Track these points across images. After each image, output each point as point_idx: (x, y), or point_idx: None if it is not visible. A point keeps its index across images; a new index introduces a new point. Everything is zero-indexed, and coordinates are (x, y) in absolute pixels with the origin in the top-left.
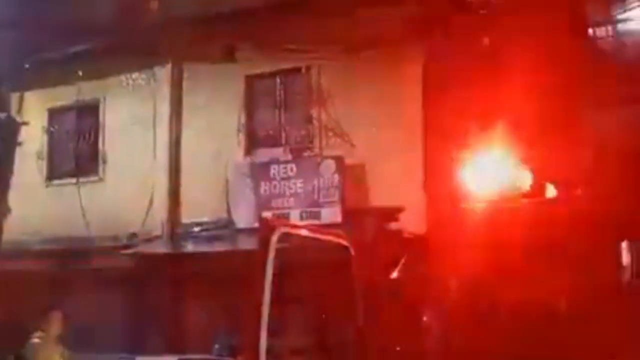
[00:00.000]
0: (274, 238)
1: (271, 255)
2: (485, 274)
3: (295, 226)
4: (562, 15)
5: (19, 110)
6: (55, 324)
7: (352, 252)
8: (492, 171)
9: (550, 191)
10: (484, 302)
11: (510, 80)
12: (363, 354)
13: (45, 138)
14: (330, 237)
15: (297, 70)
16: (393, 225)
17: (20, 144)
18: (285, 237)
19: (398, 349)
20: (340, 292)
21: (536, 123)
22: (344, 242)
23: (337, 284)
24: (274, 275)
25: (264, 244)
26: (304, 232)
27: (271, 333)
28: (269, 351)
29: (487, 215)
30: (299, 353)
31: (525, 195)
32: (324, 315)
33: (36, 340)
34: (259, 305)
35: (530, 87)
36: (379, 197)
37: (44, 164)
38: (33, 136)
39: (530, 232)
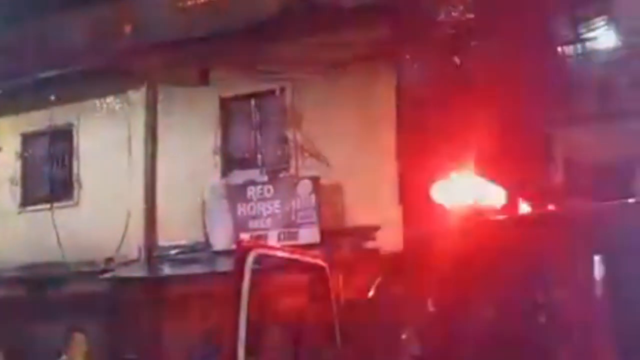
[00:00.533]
0: (250, 260)
1: (247, 277)
2: (463, 293)
3: (272, 247)
4: (532, 34)
5: None
6: (79, 346)
7: (329, 272)
8: (466, 189)
9: (524, 208)
10: (461, 322)
11: (482, 99)
12: None
13: (18, 164)
14: (306, 258)
15: (272, 92)
16: (370, 244)
17: None
18: (261, 258)
19: None
20: (317, 313)
21: (509, 140)
22: (321, 263)
23: (314, 304)
24: (251, 297)
25: (240, 265)
26: (280, 254)
27: (249, 355)
28: None
29: (462, 233)
30: None
31: (498, 212)
32: (300, 337)
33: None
34: (235, 327)
35: (502, 106)
36: (356, 216)
37: (17, 190)
38: (6, 162)
39: (506, 250)
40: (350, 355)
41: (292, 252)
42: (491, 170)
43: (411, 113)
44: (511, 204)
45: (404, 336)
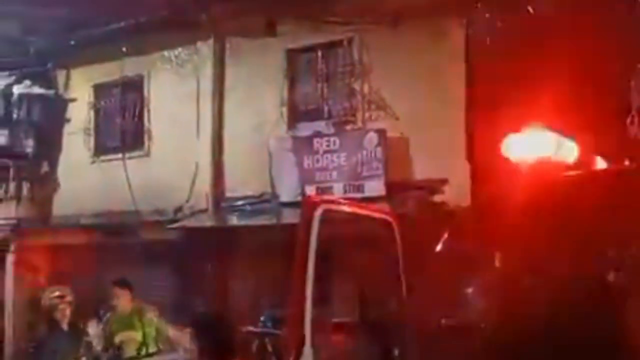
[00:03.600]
0: (317, 215)
1: (314, 232)
2: (532, 248)
3: (338, 202)
4: None
5: (66, 87)
6: (122, 298)
7: (396, 226)
8: (532, 142)
9: (599, 163)
10: (529, 277)
11: (556, 50)
12: (406, 329)
13: (91, 114)
14: (373, 213)
15: (339, 43)
16: (437, 198)
17: (67, 120)
18: (328, 213)
19: (443, 322)
20: (383, 266)
21: (584, 94)
22: (388, 217)
23: (380, 258)
24: (318, 250)
25: (308, 220)
26: (347, 209)
27: (315, 308)
28: (313, 325)
29: (532, 187)
30: (342, 327)
31: (572, 168)
32: (367, 290)
33: (111, 313)
34: (303, 281)
35: (577, 57)
36: (423, 169)
37: (90, 140)
38: (79, 113)
39: (577, 206)
40: (416, 309)
41: (359, 207)
42: (565, 124)
43: (481, 64)
44: (586, 160)
45: (469, 290)
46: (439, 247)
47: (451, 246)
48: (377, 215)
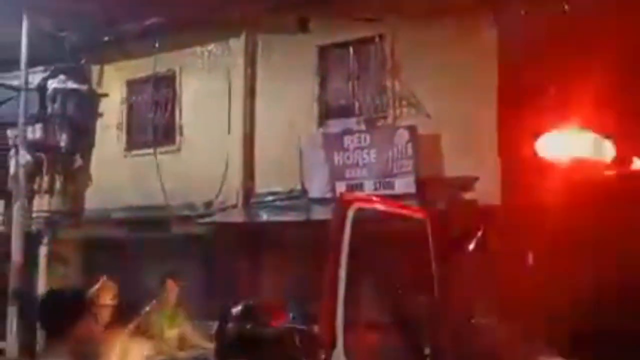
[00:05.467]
0: (350, 213)
1: (347, 230)
2: (564, 247)
3: (372, 200)
4: None
5: (99, 83)
6: (172, 292)
7: (428, 224)
8: (570, 141)
9: (636, 164)
10: (561, 276)
11: (589, 48)
12: (438, 327)
13: (124, 109)
14: (406, 211)
15: (370, 39)
16: (468, 195)
17: (100, 115)
18: (361, 211)
19: (473, 321)
20: (416, 265)
21: (618, 93)
22: (420, 216)
23: (413, 256)
24: (350, 248)
25: (341, 219)
26: (380, 207)
27: (347, 307)
28: (344, 324)
29: (565, 186)
30: (373, 325)
31: (608, 167)
32: (399, 289)
33: (152, 308)
34: (335, 279)
35: (611, 56)
36: (454, 167)
37: (122, 135)
38: (112, 108)
39: (612, 206)
40: (448, 307)
41: (392, 205)
42: (601, 123)
43: (513, 62)
44: (622, 160)
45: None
46: (471, 246)
47: (483, 244)
48: (409, 213)
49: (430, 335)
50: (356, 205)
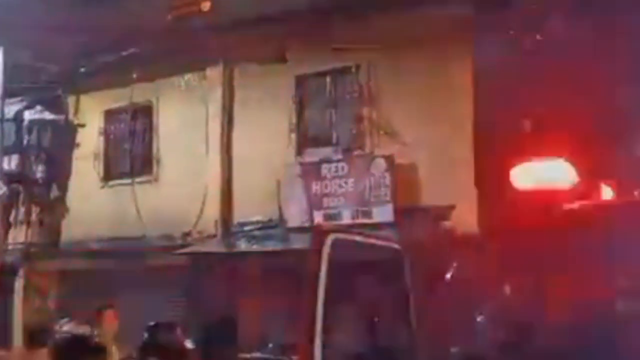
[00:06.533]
0: (327, 244)
1: (325, 261)
2: (540, 274)
3: (348, 232)
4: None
5: (76, 113)
6: (110, 324)
7: (404, 255)
8: (544, 169)
9: (606, 193)
10: (538, 302)
11: (562, 76)
12: (416, 357)
13: (101, 140)
14: (382, 242)
15: (347, 69)
16: (445, 224)
17: (77, 145)
18: (338, 242)
19: (453, 350)
20: (393, 295)
21: (590, 121)
22: (397, 246)
23: (389, 286)
24: (328, 279)
25: (317, 250)
26: (357, 238)
27: (325, 337)
28: (322, 355)
29: (539, 214)
30: (351, 355)
31: (579, 197)
32: (376, 318)
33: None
34: (313, 310)
35: (583, 84)
36: (431, 195)
37: (100, 165)
38: (89, 138)
39: (584, 234)
40: (425, 337)
41: (368, 236)
42: (574, 154)
43: (488, 90)
44: (595, 190)
45: (479, 318)
46: (448, 275)
47: (460, 274)
48: (386, 244)
49: None
50: (333, 235)
